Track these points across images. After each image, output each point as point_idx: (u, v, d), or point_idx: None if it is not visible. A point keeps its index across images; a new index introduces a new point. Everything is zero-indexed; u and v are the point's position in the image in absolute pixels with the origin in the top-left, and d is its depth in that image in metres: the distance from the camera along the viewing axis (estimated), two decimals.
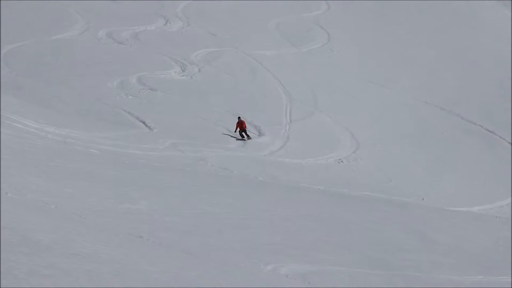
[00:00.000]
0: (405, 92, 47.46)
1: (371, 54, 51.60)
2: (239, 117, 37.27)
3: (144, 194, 19.00)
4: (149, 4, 52.49)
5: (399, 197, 31.63)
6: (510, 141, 42.65)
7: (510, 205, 35.23)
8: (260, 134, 38.41)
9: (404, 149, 40.05)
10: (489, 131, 43.46)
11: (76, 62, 43.16)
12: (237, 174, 30.30)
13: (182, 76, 43.40)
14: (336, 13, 57.55)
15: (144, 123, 36.95)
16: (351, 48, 52.05)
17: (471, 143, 42.11)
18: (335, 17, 56.59)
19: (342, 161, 36.87)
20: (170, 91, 41.42)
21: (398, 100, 46.47)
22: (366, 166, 36.89)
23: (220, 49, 47.55)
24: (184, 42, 47.74)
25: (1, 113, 27.00)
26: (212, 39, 49.06)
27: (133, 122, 37.40)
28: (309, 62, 49.16)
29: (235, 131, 37.18)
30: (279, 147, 37.43)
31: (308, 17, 56.24)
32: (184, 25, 50.26)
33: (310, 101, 43.67)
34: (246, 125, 37.41)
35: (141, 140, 32.84)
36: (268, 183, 29.34)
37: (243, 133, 37.06)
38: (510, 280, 16.67)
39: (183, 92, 41.61)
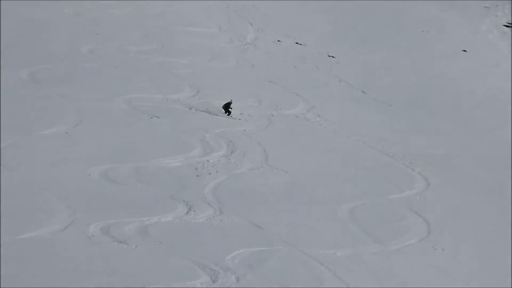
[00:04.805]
0: None
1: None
2: None
3: None
4: (164, 186, 39.53)
5: None
6: None
7: None
8: None
9: None
10: None
11: (55, 271, 29.90)
12: None
13: None
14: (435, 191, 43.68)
15: None
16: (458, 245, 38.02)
17: None
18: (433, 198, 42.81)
19: None
20: None
21: None
22: None
23: (268, 249, 34.11)
24: (215, 239, 34.65)
25: None
26: (256, 233, 35.71)
27: None
28: (401, 266, 34.80)
29: None
30: None
31: (395, 199, 42.65)
32: (215, 213, 37.18)
33: None
34: None
35: None
36: None
37: None
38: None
39: None
